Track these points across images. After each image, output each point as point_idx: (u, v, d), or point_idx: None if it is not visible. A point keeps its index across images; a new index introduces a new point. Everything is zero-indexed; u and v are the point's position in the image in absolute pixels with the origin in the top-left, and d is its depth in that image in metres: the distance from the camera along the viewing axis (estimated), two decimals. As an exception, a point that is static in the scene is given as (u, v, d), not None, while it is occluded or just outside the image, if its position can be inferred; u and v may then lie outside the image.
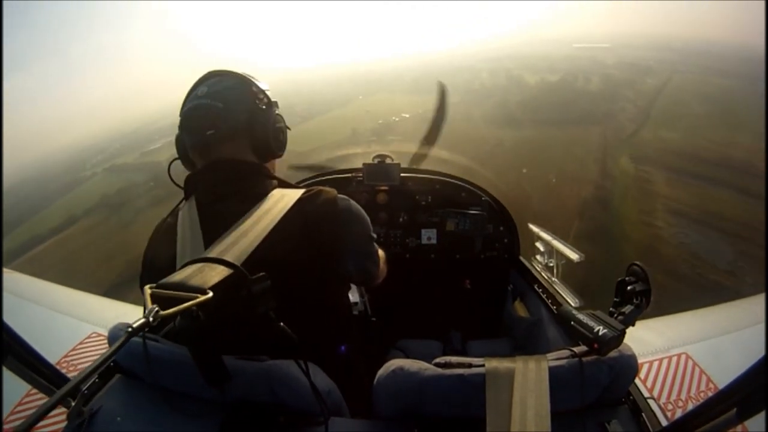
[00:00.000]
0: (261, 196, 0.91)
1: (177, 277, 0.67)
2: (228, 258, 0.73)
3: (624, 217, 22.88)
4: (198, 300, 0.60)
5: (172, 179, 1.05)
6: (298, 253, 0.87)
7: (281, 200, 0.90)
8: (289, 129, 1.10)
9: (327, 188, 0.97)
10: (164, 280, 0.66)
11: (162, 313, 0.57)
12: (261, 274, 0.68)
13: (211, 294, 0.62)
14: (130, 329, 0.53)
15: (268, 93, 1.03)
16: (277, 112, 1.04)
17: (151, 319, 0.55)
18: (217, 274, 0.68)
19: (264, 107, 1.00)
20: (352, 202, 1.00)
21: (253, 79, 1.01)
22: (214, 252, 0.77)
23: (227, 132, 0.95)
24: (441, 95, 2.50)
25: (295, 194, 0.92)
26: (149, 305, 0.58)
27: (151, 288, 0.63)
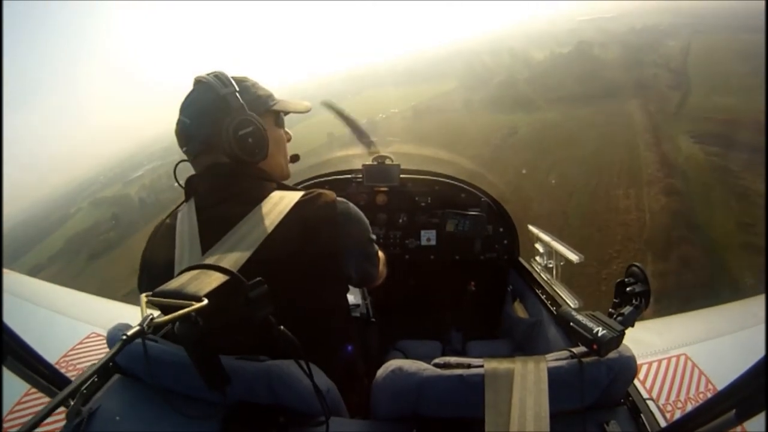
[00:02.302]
0: (259, 198, 0.91)
1: (173, 284, 0.67)
2: (225, 263, 0.73)
3: (719, 242, 13.84)
4: (192, 308, 0.60)
5: (177, 180, 1.04)
6: (297, 256, 0.87)
7: (279, 203, 0.90)
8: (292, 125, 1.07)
9: (325, 191, 0.97)
10: (160, 288, 0.67)
11: (157, 320, 0.59)
12: (258, 279, 0.68)
13: (206, 301, 0.62)
14: (124, 336, 0.55)
15: (236, 96, 0.93)
16: (245, 116, 0.93)
17: (145, 327, 0.57)
18: (213, 280, 0.68)
19: (228, 114, 0.92)
20: (351, 204, 1.00)
21: (219, 83, 0.93)
22: (211, 258, 0.77)
23: (198, 147, 0.96)
24: (334, 111, 2.43)
25: (294, 197, 0.92)
26: (145, 313, 0.59)
27: (147, 296, 0.64)
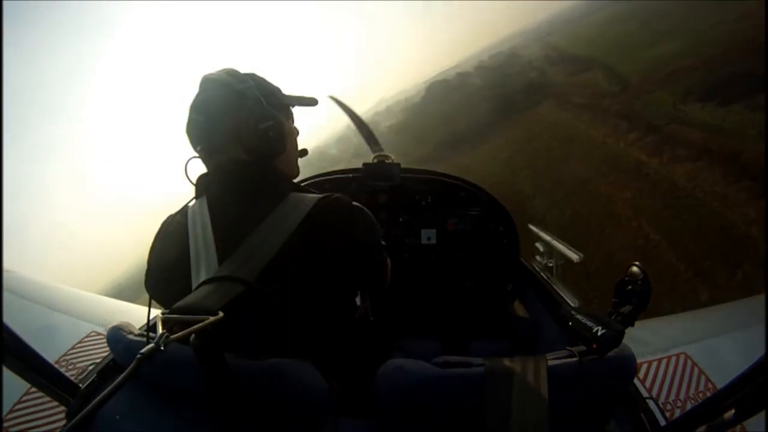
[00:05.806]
0: (277, 200, 0.90)
1: (189, 300, 0.68)
2: (243, 272, 0.73)
3: None
4: (206, 322, 0.61)
5: (187, 177, 1.02)
6: (312, 260, 0.86)
7: (298, 206, 0.89)
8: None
9: (342, 195, 0.96)
10: (176, 305, 0.67)
11: (172, 337, 0.59)
12: (275, 287, 0.68)
13: (221, 314, 0.63)
14: (139, 355, 0.55)
15: (253, 90, 0.93)
16: (264, 110, 0.94)
17: (161, 346, 0.57)
18: (229, 292, 0.69)
19: (246, 109, 0.92)
20: (366, 210, 0.99)
21: (233, 79, 0.93)
22: (228, 267, 0.77)
23: (215, 144, 0.94)
24: (341, 106, 2.38)
25: (311, 200, 0.91)
26: (160, 330, 0.59)
27: (163, 314, 0.64)
